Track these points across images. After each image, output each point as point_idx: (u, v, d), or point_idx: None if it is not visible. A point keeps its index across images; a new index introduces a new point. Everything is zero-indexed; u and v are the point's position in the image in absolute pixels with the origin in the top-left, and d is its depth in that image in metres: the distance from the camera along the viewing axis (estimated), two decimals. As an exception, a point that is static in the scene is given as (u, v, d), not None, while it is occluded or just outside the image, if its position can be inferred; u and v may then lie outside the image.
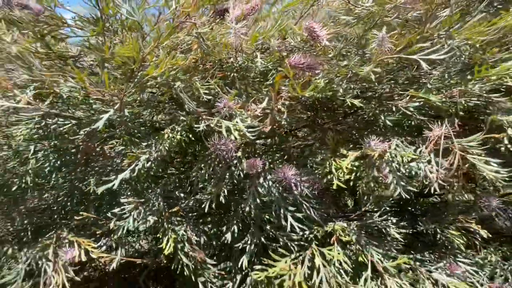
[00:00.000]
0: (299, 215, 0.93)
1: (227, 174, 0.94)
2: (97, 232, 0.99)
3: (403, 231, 1.04)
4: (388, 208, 1.12)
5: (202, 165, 0.96)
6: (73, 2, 0.97)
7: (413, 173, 0.85)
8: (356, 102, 0.95)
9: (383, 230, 1.06)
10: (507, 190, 1.38)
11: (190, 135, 0.94)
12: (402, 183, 0.85)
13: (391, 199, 1.13)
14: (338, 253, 0.92)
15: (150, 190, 1.05)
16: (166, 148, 0.89)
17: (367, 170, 0.91)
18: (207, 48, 0.87)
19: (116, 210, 0.92)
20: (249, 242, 0.98)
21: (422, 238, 1.16)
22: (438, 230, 1.08)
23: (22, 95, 0.80)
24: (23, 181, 0.98)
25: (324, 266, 0.89)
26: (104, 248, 1.00)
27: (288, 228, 0.90)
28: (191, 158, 1.27)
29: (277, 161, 1.15)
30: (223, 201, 0.91)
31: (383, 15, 1.04)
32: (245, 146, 1.03)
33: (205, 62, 0.94)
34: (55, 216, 1.13)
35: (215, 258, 1.04)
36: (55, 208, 1.14)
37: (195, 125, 0.82)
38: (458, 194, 1.12)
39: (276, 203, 0.92)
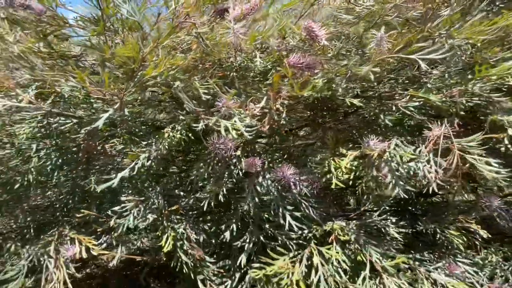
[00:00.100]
0: (298, 214, 0.94)
1: (226, 173, 0.95)
2: (98, 230, 1.00)
3: (403, 230, 1.04)
4: (387, 208, 1.12)
5: (202, 164, 0.96)
6: (75, 2, 0.98)
7: (411, 172, 0.84)
8: (356, 101, 0.95)
9: (383, 229, 1.06)
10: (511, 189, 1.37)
11: (190, 134, 0.95)
12: (401, 182, 0.85)
13: (391, 199, 1.13)
14: (337, 252, 0.92)
15: (150, 189, 1.06)
16: (166, 147, 0.90)
17: (366, 170, 0.91)
18: (206, 47, 0.87)
19: (117, 208, 0.93)
20: (247, 240, 0.98)
21: (422, 238, 1.15)
22: (438, 230, 1.08)
23: (24, 94, 0.81)
24: (26, 179, 1.00)
25: (323, 265, 0.89)
26: (104, 245, 1.01)
27: (287, 227, 0.90)
28: (194, 156, 1.28)
29: (277, 160, 1.15)
30: (222, 199, 0.92)
31: (384, 14, 1.04)
32: (245, 145, 1.04)
33: (205, 62, 0.94)
34: (58, 214, 1.15)
35: (215, 256, 1.05)
36: (57, 205, 1.16)
37: (194, 125, 0.82)
38: (458, 194, 1.12)
39: (275, 202, 0.93)
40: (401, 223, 1.07)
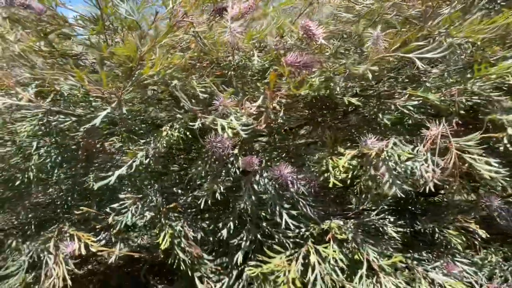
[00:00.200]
0: (295, 212, 0.94)
1: (223, 171, 0.96)
2: (97, 227, 1.01)
3: (401, 230, 1.04)
4: (386, 207, 1.12)
5: (200, 162, 0.97)
6: (75, 1, 0.98)
7: (409, 172, 0.84)
8: (354, 100, 0.95)
9: (381, 228, 1.06)
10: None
11: (188, 133, 0.95)
12: (398, 182, 0.84)
13: (391, 198, 1.13)
14: (334, 251, 0.92)
15: (149, 186, 1.06)
16: (164, 145, 0.91)
17: (364, 169, 0.91)
18: (204, 46, 0.88)
19: (115, 205, 0.94)
20: (245, 238, 0.99)
21: (421, 238, 1.15)
22: (436, 229, 1.08)
23: (24, 92, 0.82)
24: (26, 176, 1.01)
25: (319, 264, 0.89)
26: (103, 242, 1.03)
27: (283, 225, 0.91)
28: (196, 155, 1.28)
29: (275, 159, 1.16)
30: (219, 198, 0.93)
31: (383, 13, 1.03)
32: (243, 143, 1.04)
33: (202, 61, 0.95)
34: (58, 211, 1.17)
35: (213, 254, 1.06)
36: (58, 202, 1.17)
37: (191, 123, 0.83)
38: (458, 193, 1.11)
39: (272, 200, 0.93)
40: (400, 222, 1.07)
